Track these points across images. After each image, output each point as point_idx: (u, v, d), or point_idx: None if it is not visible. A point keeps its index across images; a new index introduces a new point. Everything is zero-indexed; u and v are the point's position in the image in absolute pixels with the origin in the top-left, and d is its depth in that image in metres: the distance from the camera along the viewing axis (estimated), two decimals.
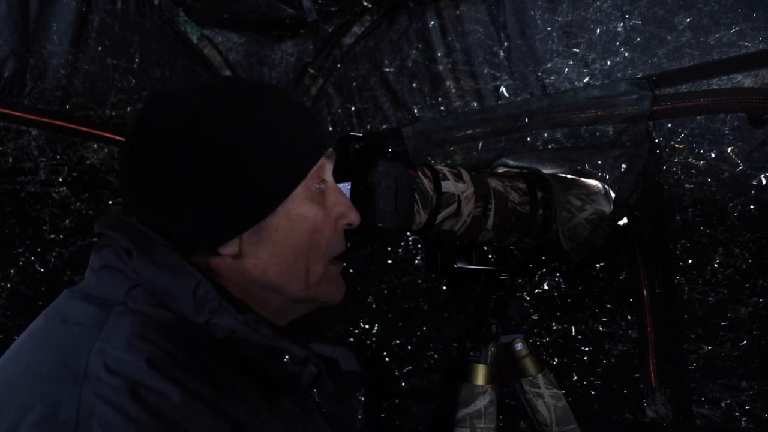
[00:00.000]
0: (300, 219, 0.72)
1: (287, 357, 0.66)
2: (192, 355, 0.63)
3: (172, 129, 0.69)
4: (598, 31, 1.17)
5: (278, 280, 0.73)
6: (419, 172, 0.94)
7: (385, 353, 1.59)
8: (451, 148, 1.40)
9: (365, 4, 1.44)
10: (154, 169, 0.69)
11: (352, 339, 1.65)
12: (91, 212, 1.46)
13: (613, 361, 1.23)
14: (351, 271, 1.65)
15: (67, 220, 1.42)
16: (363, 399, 1.57)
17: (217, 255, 0.70)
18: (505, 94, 1.32)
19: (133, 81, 1.48)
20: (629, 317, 1.21)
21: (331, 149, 0.78)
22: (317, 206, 0.74)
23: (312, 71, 1.59)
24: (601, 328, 1.25)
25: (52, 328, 0.64)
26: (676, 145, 1.12)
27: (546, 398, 1.01)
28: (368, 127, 1.55)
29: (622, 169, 1.16)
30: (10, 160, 1.33)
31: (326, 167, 0.77)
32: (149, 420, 0.55)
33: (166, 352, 0.61)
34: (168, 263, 0.66)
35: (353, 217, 0.79)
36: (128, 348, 0.59)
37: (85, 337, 0.61)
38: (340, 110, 1.59)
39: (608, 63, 1.17)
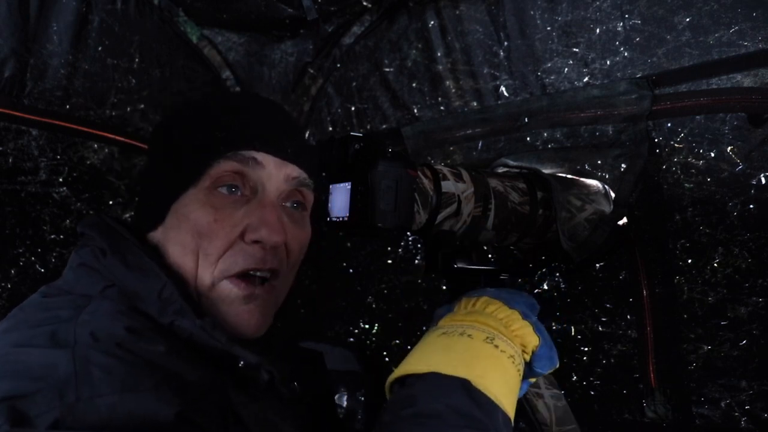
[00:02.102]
0: (184, 219, 0.73)
1: (242, 363, 0.68)
2: (166, 333, 0.66)
3: None
4: (597, 30, 1.17)
5: (182, 279, 0.73)
6: (419, 172, 0.94)
7: (385, 353, 1.59)
8: (451, 148, 1.40)
9: (365, 4, 1.44)
10: None
11: (352, 339, 1.65)
12: (91, 212, 1.46)
13: (612, 361, 1.23)
14: (351, 271, 1.65)
15: (68, 221, 1.42)
16: (363, 399, 1.57)
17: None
18: (505, 93, 1.32)
19: (133, 81, 1.48)
20: (629, 317, 1.21)
21: (252, 156, 0.73)
22: (207, 209, 0.72)
23: (312, 71, 1.59)
24: (600, 328, 1.25)
25: (33, 315, 0.66)
26: (676, 145, 1.12)
27: (546, 398, 1.01)
28: (368, 127, 1.55)
29: (622, 169, 1.16)
30: (10, 160, 1.33)
31: (249, 174, 0.74)
32: (142, 363, 0.59)
33: (145, 325, 0.65)
34: (138, 265, 0.69)
35: (262, 234, 0.73)
36: (111, 320, 0.63)
37: (69, 315, 0.64)
38: (339, 110, 1.59)
39: (608, 63, 1.17)
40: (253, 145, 0.74)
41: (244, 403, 0.66)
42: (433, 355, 0.70)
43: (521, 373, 0.73)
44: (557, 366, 0.80)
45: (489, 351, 0.70)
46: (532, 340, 0.76)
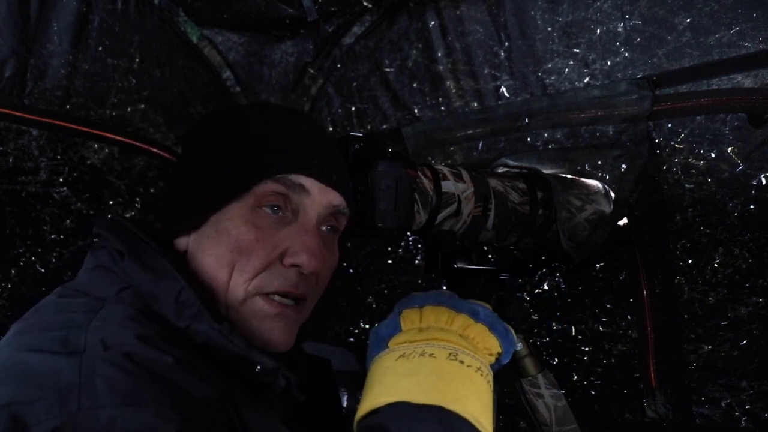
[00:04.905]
0: (224, 233, 0.73)
1: (258, 367, 0.68)
2: (179, 340, 0.66)
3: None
4: (598, 31, 1.17)
5: (209, 288, 0.73)
6: (419, 172, 0.94)
7: None
8: (451, 148, 1.40)
9: (365, 4, 1.44)
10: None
11: (352, 339, 1.65)
12: (91, 212, 1.46)
13: (613, 361, 1.23)
14: (351, 271, 1.65)
15: (68, 221, 1.43)
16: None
17: (176, 248, 0.76)
18: (506, 94, 1.32)
19: (134, 81, 1.48)
20: (629, 317, 1.21)
21: (300, 182, 0.74)
22: (249, 226, 0.72)
23: (312, 71, 1.59)
24: (601, 328, 1.25)
25: (48, 317, 0.66)
26: (676, 145, 1.12)
27: (546, 398, 1.01)
28: (368, 127, 1.55)
29: (622, 169, 1.16)
30: (10, 160, 1.33)
31: (292, 198, 0.74)
32: (147, 375, 0.58)
33: (156, 332, 0.64)
34: (156, 267, 0.69)
35: (302, 259, 0.73)
36: (122, 327, 0.63)
37: (82, 319, 0.64)
38: (340, 110, 1.59)
39: (608, 63, 1.17)
40: (302, 170, 0.74)
41: (253, 413, 0.66)
42: (399, 382, 0.66)
43: (491, 384, 0.70)
44: (517, 346, 0.77)
45: (455, 368, 0.67)
46: (494, 342, 0.73)
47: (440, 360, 0.67)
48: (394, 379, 0.67)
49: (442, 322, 0.73)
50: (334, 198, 0.77)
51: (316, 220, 0.77)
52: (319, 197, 0.76)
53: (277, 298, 0.74)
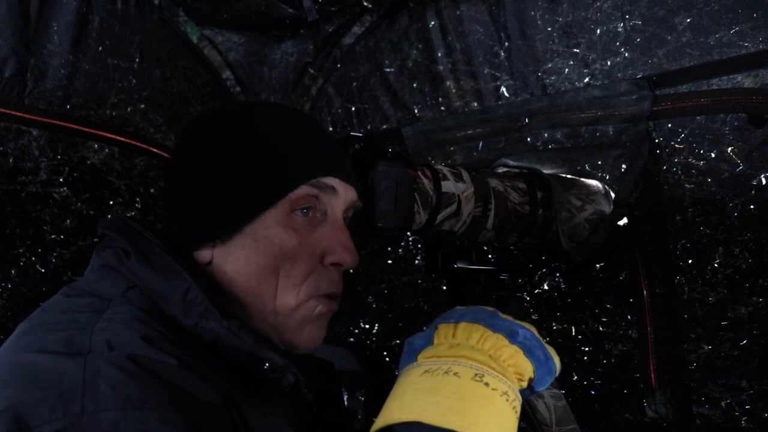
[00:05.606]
0: (266, 241, 0.72)
1: (267, 364, 0.67)
2: (184, 340, 0.66)
3: (179, 144, 0.80)
4: (598, 31, 1.17)
5: (246, 297, 0.73)
6: (419, 172, 0.94)
7: (385, 353, 1.59)
8: (451, 148, 1.40)
9: (365, 4, 1.44)
10: (169, 175, 0.80)
11: (352, 339, 1.65)
12: (91, 212, 1.46)
13: (613, 361, 1.23)
14: (351, 271, 1.65)
15: (68, 221, 1.42)
16: (363, 399, 1.57)
17: (197, 260, 0.75)
18: (506, 94, 1.32)
19: (134, 81, 1.48)
20: (629, 317, 1.21)
21: (332, 184, 0.75)
22: (290, 232, 0.73)
23: (312, 71, 1.59)
24: (601, 328, 1.25)
25: (53, 317, 0.66)
26: (676, 145, 1.12)
27: (546, 398, 1.01)
28: (368, 127, 1.55)
29: (622, 169, 1.16)
30: (10, 160, 1.33)
31: (322, 199, 0.75)
32: (151, 378, 0.58)
33: (161, 333, 0.64)
34: (162, 266, 0.69)
35: (340, 256, 0.75)
36: (127, 328, 0.63)
37: (87, 320, 0.63)
38: (340, 110, 1.59)
39: (608, 63, 1.17)
40: (331, 172, 0.75)
41: (258, 415, 0.66)
42: (417, 400, 0.64)
43: (518, 410, 0.66)
44: (557, 375, 0.74)
45: (479, 391, 0.64)
46: (528, 367, 0.69)
47: (464, 380, 0.64)
48: (414, 395, 0.64)
49: (473, 340, 0.70)
50: (353, 194, 0.79)
51: (343, 217, 0.79)
52: (344, 195, 0.77)
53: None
